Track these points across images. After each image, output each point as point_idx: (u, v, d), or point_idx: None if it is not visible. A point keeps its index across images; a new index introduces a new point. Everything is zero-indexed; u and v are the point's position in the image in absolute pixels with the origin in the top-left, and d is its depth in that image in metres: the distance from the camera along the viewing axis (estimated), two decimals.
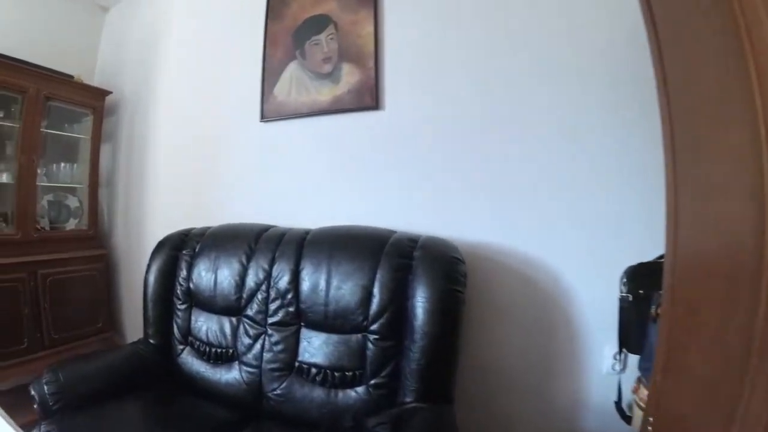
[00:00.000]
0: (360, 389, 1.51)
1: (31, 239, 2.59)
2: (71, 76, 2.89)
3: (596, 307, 1.51)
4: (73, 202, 2.85)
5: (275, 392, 1.62)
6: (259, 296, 1.71)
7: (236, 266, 1.76)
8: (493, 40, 1.71)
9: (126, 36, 3.20)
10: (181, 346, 1.88)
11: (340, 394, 1.53)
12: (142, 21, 3.09)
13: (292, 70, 2.14)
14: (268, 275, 1.70)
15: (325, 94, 2.04)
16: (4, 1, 2.92)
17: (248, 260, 1.76)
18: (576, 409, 1.57)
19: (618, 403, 1.42)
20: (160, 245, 1.99)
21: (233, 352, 1.75)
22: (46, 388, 1.50)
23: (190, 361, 1.83)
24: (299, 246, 1.70)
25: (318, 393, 1.56)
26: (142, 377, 1.74)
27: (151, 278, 1.94)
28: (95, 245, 2.90)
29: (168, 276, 1.93)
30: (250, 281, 1.73)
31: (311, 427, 1.49)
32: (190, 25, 2.70)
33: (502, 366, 1.68)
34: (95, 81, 3.19)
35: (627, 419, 1.36)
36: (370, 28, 1.98)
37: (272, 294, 1.69)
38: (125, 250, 2.97)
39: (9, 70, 2.56)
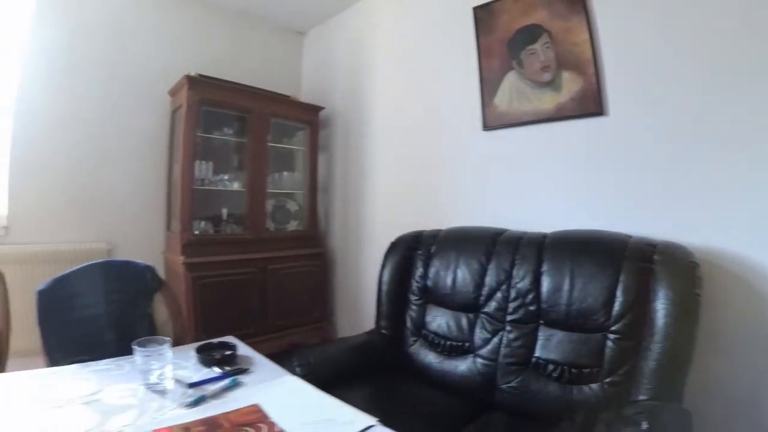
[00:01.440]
0: (594, 386, 1.56)
1: (260, 239, 3.09)
2: (287, 96, 3.39)
3: None
4: (293, 206, 3.34)
5: (509, 385, 1.74)
6: (499, 295, 1.86)
7: (475, 266, 1.94)
8: (714, 43, 1.63)
9: (326, 55, 3.63)
10: (414, 338, 2.11)
11: (575, 389, 1.60)
12: (339, 42, 3.48)
13: (511, 80, 2.25)
14: (509, 276, 1.84)
15: (546, 102, 2.12)
16: (220, 37, 3.52)
17: (488, 261, 1.92)
18: None
19: None
20: (394, 246, 2.25)
21: (469, 345, 1.92)
22: (297, 369, 1.66)
23: (422, 352, 2.04)
24: (539, 249, 1.81)
25: (553, 388, 1.65)
26: (374, 364, 1.99)
27: (386, 275, 2.21)
28: (313, 244, 3.35)
29: (402, 273, 2.18)
30: (490, 281, 1.89)
31: (543, 418, 1.59)
32: (393, 43, 2.99)
33: (728, 376, 1.62)
34: (302, 99, 3.67)
35: None
36: (585, 35, 2.00)
37: (512, 294, 1.82)
38: (341, 250, 3.38)
39: (237, 93, 3.10)
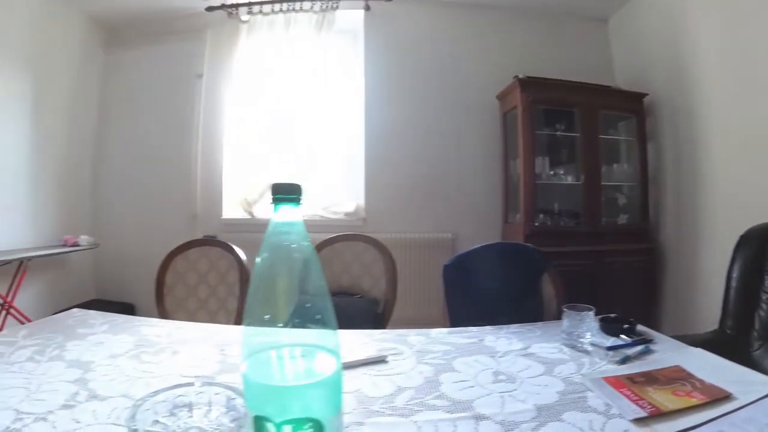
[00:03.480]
0: None
1: (595, 232, 3.09)
2: (608, 86, 3.33)
3: None
4: (621, 199, 3.28)
5: None
6: None
7: None
8: None
9: (636, 39, 3.43)
10: (760, 342, 1.80)
11: None
12: (649, 22, 3.24)
13: None
14: None
15: None
16: (533, 37, 3.63)
17: None
18: None
19: None
20: (745, 239, 1.95)
21: None
22: None
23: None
24: None
25: None
26: None
27: (735, 271, 1.92)
28: (644, 239, 3.20)
29: (753, 269, 1.89)
30: None
31: None
32: (718, 18, 2.64)
33: None
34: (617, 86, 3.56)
35: None
36: None
37: None
38: (673, 245, 3.14)
39: (564, 89, 3.15)
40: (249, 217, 3.38)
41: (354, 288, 1.95)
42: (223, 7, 3.43)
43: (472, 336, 1.14)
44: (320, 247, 1.91)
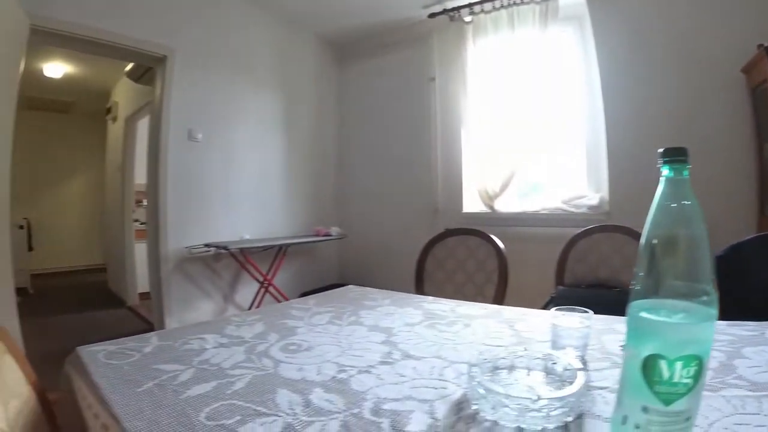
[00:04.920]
0: None
1: None
2: None
3: None
4: None
5: None
6: None
7: None
8: None
9: None
10: None
11: None
12: None
13: None
14: None
15: None
16: None
17: None
18: None
19: None
20: None
21: None
22: None
23: None
24: None
25: None
26: None
27: None
28: None
29: None
30: None
31: None
32: None
33: None
34: None
35: None
36: None
37: None
38: None
39: None
40: (489, 210, 3.51)
41: (611, 281, 1.90)
42: (444, 12, 3.64)
43: (752, 329, 1.01)
44: (576, 238, 1.92)
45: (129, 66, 4.15)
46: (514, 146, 3.36)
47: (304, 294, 3.84)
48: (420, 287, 2.00)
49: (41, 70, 4.63)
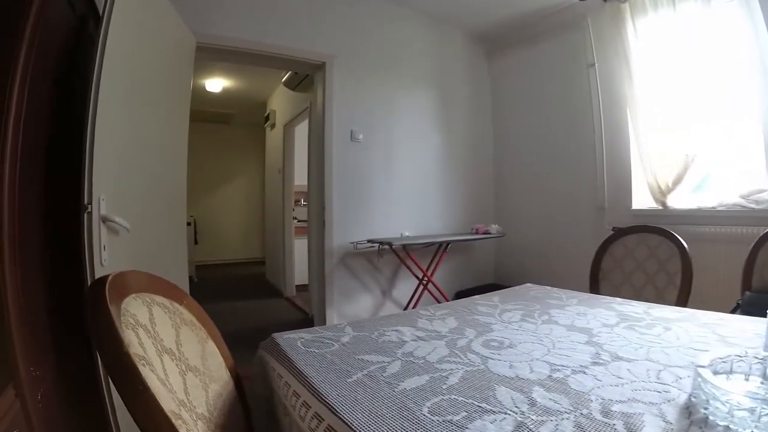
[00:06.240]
0: None
1: None
2: None
3: None
4: None
5: None
6: None
7: None
8: None
9: None
10: None
11: None
12: None
13: None
14: None
15: None
16: None
17: None
18: None
19: None
20: None
21: None
22: None
23: None
24: None
25: None
26: None
27: None
28: None
29: None
30: None
31: None
32: None
33: None
34: None
35: None
36: None
37: None
38: None
39: None
40: (661, 207, 3.17)
41: None
42: None
43: None
44: (765, 238, 1.64)
45: (285, 76, 4.51)
46: (686, 134, 2.96)
47: (460, 294, 3.91)
48: (595, 288, 1.91)
49: (204, 86, 5.22)
